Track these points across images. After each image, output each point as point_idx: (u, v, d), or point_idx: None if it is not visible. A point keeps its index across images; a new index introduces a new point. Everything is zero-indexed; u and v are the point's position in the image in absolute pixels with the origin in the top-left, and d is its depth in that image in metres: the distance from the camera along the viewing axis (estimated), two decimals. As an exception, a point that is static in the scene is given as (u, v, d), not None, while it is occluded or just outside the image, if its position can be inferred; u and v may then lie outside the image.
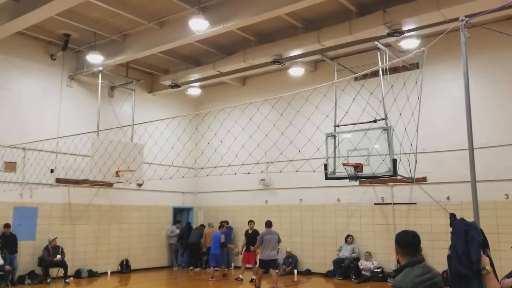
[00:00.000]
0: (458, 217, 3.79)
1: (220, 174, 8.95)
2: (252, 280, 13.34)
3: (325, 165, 11.41)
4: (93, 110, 15.21)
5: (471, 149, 3.89)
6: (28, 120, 13.95)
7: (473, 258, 3.45)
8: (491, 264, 3.49)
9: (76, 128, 13.95)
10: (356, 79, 13.77)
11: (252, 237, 13.69)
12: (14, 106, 13.84)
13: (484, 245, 3.57)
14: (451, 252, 3.63)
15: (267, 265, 11.89)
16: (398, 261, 13.17)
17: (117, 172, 13.77)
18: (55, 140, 13.57)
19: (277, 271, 12.31)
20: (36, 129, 13.75)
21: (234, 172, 8.69)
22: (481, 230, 3.61)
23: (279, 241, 12.26)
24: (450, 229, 3.72)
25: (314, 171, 8.18)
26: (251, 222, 14.35)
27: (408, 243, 3.41)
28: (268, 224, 12.30)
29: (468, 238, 3.51)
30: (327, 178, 11.62)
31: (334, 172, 11.47)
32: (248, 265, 13.75)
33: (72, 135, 11.46)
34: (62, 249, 13.73)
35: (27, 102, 14.15)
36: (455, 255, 3.56)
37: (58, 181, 14.44)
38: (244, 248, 13.95)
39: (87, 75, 15.23)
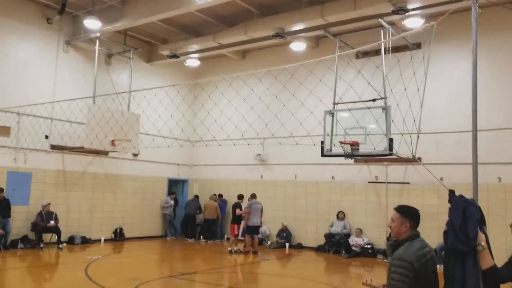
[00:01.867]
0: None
1: (219, 145, 8.98)
2: (230, 252, 13.88)
3: (322, 142, 11.43)
4: (89, 77, 15.03)
5: (475, 130, 3.87)
6: (23, 85, 13.77)
7: (470, 234, 3.46)
8: (487, 241, 3.52)
9: (71, 94, 13.74)
10: (357, 57, 13.67)
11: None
12: (8, 70, 13.63)
13: (481, 222, 3.58)
14: (448, 228, 3.64)
15: (254, 231, 13.79)
16: (388, 238, 13.30)
17: (113, 141, 13.73)
18: (51, 105, 13.46)
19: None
20: (31, 94, 13.56)
21: (233, 143, 8.68)
22: (479, 207, 3.62)
23: (262, 210, 14.02)
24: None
25: (314, 144, 8.18)
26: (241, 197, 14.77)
27: (417, 216, 3.56)
28: (253, 195, 14.24)
29: (466, 215, 3.52)
30: (323, 155, 11.66)
31: (330, 150, 11.50)
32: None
33: (68, 100, 11.32)
34: (55, 215, 13.76)
35: (22, 66, 13.94)
36: (452, 231, 3.57)
37: (53, 147, 14.37)
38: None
39: (84, 41, 15.00)
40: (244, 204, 14.50)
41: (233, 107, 9.36)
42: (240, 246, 14.18)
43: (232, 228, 14.45)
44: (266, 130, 9.42)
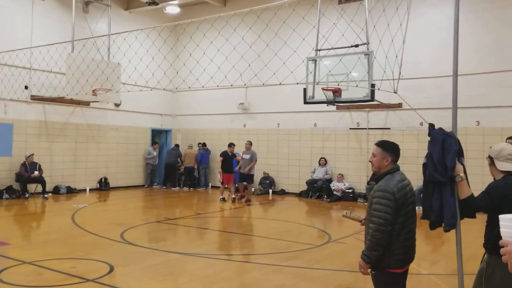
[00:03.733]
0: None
1: (203, 87, 9.00)
2: (233, 200, 13.76)
3: (304, 90, 11.47)
4: (67, 26, 14.52)
5: (455, 74, 3.94)
6: (-2, 34, 13.32)
7: (448, 165, 3.60)
8: (465, 172, 3.67)
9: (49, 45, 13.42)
10: (340, 2, 13.53)
11: (230, 159, 13.95)
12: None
13: (459, 153, 3.72)
14: (427, 160, 3.77)
15: (245, 178, 13.84)
16: (368, 182, 13.66)
17: (94, 90, 13.53)
18: (29, 54, 13.09)
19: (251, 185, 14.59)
20: (7, 43, 13.12)
21: (216, 85, 8.67)
22: (458, 139, 3.75)
23: (251, 159, 13.81)
24: (421, 153, 3.81)
25: (297, 83, 8.23)
26: (232, 145, 14.15)
27: (398, 150, 3.69)
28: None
29: (445, 146, 3.64)
30: (305, 102, 11.72)
31: (313, 97, 11.56)
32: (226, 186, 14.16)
33: (47, 45, 11.00)
34: (39, 165, 13.74)
35: (-3, 15, 13.45)
36: (430, 163, 3.70)
37: (33, 98, 14.13)
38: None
39: (60, -13, 14.45)
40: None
41: (215, 49, 9.28)
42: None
43: (224, 177, 13.99)
44: (249, 73, 9.42)
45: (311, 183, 14.98)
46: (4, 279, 5.64)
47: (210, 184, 17.40)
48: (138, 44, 10.78)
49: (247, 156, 13.82)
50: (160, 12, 17.47)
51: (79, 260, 6.74)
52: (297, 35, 8.78)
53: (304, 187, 15.29)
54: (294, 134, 15.98)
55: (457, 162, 3.63)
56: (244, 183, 14.14)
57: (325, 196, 14.35)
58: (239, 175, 13.98)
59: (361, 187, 14.28)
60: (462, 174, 3.59)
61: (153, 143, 17.88)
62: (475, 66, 12.39)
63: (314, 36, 10.65)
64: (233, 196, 13.83)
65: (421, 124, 12.81)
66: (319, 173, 14.97)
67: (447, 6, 12.77)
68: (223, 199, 13.86)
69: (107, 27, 15.48)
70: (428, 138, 3.79)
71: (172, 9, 17.19)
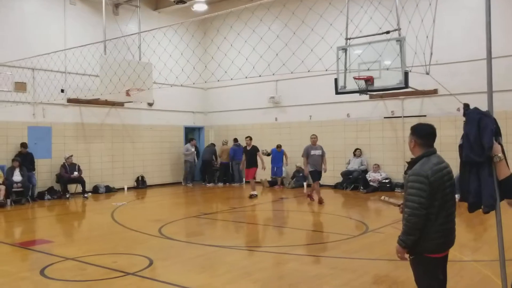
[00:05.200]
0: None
1: (231, 79, 9.05)
2: (251, 196, 13.48)
3: (335, 80, 11.33)
4: (99, 29, 14.88)
5: (489, 51, 3.79)
6: (33, 40, 13.72)
7: (485, 145, 3.47)
8: (503, 152, 3.54)
9: (82, 48, 13.73)
10: (368, -12, 13.25)
11: (251, 152, 13.78)
12: (17, 26, 13.58)
13: (496, 133, 3.58)
14: (463, 141, 3.65)
15: (318, 175, 12.29)
16: (405, 171, 13.47)
17: (127, 91, 13.83)
18: (63, 56, 13.46)
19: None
20: (42, 48, 13.49)
21: (245, 76, 8.68)
22: (494, 118, 3.61)
23: (323, 154, 12.37)
24: (460, 140, 3.68)
25: (326, 70, 8.13)
26: (247, 138, 14.01)
27: (427, 133, 3.55)
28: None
29: (481, 126, 3.51)
30: (337, 92, 11.56)
31: (344, 86, 11.40)
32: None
33: (80, 46, 11.26)
34: (78, 166, 14.15)
35: (31, 22, 13.88)
36: (467, 144, 3.58)
37: (69, 101, 14.55)
38: (245, 165, 13.91)
39: (90, -9, 14.80)
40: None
41: (242, 41, 9.34)
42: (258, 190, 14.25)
43: (246, 173, 14.06)
44: (278, 63, 9.38)
45: (346, 174, 14.82)
46: (49, 275, 5.84)
47: (244, 180, 17.46)
48: (167, 42, 10.93)
49: (318, 152, 12.25)
50: (188, 10, 17.61)
51: (120, 255, 6.90)
52: (324, 21, 8.69)
53: (339, 178, 15.14)
54: (327, 126, 15.82)
55: (494, 141, 3.50)
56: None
57: (361, 187, 14.16)
58: (313, 173, 12.24)
59: (399, 177, 14.00)
60: (500, 154, 3.46)
61: (190, 139, 17.95)
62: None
63: (341, 21, 10.45)
64: (255, 192, 13.62)
65: (458, 109, 12.43)
66: (354, 164, 14.79)
67: (481, -14, 12.33)
68: (252, 195, 13.47)
69: (137, 28, 15.78)
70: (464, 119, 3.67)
71: (200, 7, 17.28)
